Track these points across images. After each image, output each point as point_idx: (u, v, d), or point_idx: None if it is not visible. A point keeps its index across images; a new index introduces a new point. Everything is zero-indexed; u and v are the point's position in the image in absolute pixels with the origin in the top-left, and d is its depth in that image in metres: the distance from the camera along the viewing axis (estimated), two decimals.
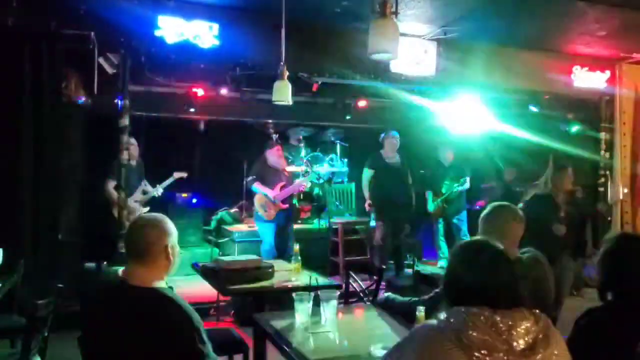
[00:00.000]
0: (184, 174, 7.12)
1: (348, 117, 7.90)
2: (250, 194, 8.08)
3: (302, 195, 7.88)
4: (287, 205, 6.48)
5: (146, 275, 2.10)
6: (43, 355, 3.12)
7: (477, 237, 2.21)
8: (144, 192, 6.73)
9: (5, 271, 3.90)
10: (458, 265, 1.81)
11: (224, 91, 6.26)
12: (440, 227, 7.59)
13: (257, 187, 6.42)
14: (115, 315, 2.03)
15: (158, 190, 6.79)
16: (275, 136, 7.80)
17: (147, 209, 6.65)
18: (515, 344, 1.59)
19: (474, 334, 1.59)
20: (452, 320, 1.64)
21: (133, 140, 6.49)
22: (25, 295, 4.03)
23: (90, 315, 2.16)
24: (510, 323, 1.61)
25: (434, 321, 1.71)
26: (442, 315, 1.68)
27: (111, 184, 6.33)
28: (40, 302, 3.03)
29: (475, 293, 1.69)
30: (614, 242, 2.30)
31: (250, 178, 6.56)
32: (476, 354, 1.57)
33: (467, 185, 7.27)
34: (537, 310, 1.70)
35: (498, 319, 1.62)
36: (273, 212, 6.37)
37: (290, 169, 7.85)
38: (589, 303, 2.25)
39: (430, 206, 7.47)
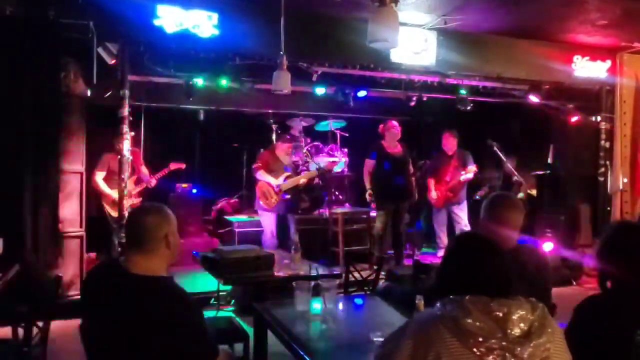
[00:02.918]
0: (182, 165, 7.10)
1: (348, 107, 7.88)
2: (250, 184, 8.10)
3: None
4: (289, 196, 6.50)
5: (146, 264, 2.11)
6: (44, 344, 3.13)
7: (468, 231, 2.26)
8: (138, 182, 6.69)
9: (6, 261, 3.90)
10: (450, 258, 1.87)
11: (223, 81, 6.24)
12: (441, 217, 7.59)
13: (260, 175, 6.46)
14: (116, 303, 2.04)
15: (151, 182, 6.76)
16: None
17: (139, 199, 6.62)
18: (510, 331, 1.61)
19: (470, 321, 1.61)
20: (448, 308, 1.67)
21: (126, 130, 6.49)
22: (26, 284, 4.04)
23: (91, 304, 2.16)
24: (505, 310, 1.63)
25: (431, 309, 1.73)
26: (439, 304, 1.71)
27: (99, 175, 6.31)
28: (41, 292, 3.05)
29: (469, 284, 1.72)
30: (613, 230, 2.31)
31: (255, 165, 6.62)
32: (472, 340, 1.59)
33: (471, 175, 7.25)
34: (534, 299, 1.72)
35: (494, 306, 1.64)
36: (274, 201, 6.39)
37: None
38: (588, 292, 2.26)
39: (434, 194, 7.45)
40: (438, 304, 1.71)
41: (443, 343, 1.60)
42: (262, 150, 7.03)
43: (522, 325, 1.63)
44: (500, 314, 1.63)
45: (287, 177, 6.48)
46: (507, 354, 1.58)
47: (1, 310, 3.86)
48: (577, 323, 2.13)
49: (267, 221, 6.49)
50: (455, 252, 1.88)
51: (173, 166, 6.97)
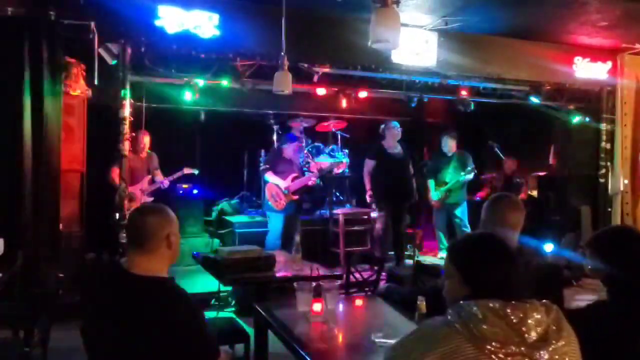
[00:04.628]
0: (195, 171, 7.16)
1: (349, 108, 7.88)
2: (252, 184, 8.11)
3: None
4: (297, 197, 6.53)
5: (147, 265, 2.10)
6: (45, 344, 3.14)
7: (483, 232, 2.21)
8: (150, 183, 6.76)
9: (6, 261, 3.91)
10: (468, 260, 1.79)
11: (224, 82, 6.24)
12: (441, 217, 7.59)
13: (269, 176, 6.51)
14: (117, 304, 2.04)
15: (165, 183, 6.81)
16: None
17: (151, 199, 6.67)
18: (527, 335, 1.57)
19: (485, 326, 1.57)
20: (462, 314, 1.61)
21: (144, 133, 6.54)
22: (26, 285, 4.04)
23: (92, 305, 2.16)
24: (521, 315, 1.60)
25: (442, 317, 1.68)
26: (450, 310, 1.66)
27: (115, 172, 6.37)
28: (41, 292, 3.05)
29: (486, 287, 1.67)
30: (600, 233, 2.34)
31: (263, 167, 6.67)
32: (488, 346, 1.55)
33: (472, 175, 7.24)
34: (548, 301, 1.68)
35: (509, 311, 1.60)
36: (283, 202, 6.43)
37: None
38: (589, 293, 2.27)
39: (434, 195, 7.45)
40: (449, 310, 1.66)
41: (459, 351, 1.56)
42: (269, 151, 7.06)
43: (538, 329, 1.59)
44: (516, 319, 1.59)
45: (294, 178, 6.51)
46: (526, 359, 1.55)
47: (2, 311, 3.86)
48: (584, 326, 2.13)
49: (275, 222, 6.52)
50: (472, 254, 1.80)
51: (187, 170, 7.03)
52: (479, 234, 2.02)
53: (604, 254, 2.22)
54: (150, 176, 6.79)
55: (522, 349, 1.56)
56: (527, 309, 1.61)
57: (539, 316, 1.61)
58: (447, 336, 1.59)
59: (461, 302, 1.66)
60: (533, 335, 1.58)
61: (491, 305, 1.61)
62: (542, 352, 1.57)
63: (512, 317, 1.59)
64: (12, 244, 4.23)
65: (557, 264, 2.82)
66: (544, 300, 1.68)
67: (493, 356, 1.54)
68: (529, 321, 1.59)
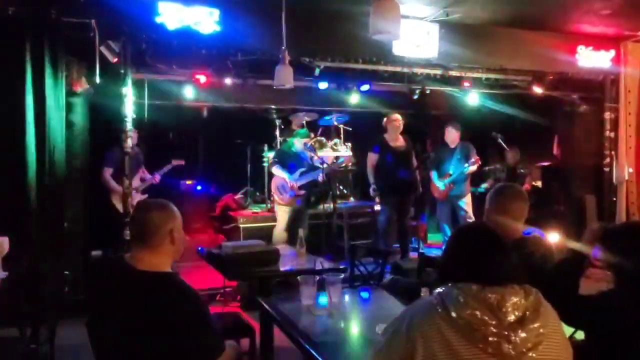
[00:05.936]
0: (181, 161, 7.15)
1: (351, 101, 7.86)
2: (256, 180, 8.11)
3: None
4: (303, 191, 6.53)
5: (151, 260, 2.11)
6: (51, 342, 3.15)
7: (476, 222, 2.26)
8: (142, 180, 6.75)
9: (12, 260, 3.92)
10: (455, 248, 1.86)
11: (225, 77, 6.24)
12: (445, 209, 7.56)
13: (276, 170, 6.55)
14: (122, 299, 2.05)
15: (156, 178, 6.80)
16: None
17: (145, 196, 6.65)
18: (504, 318, 1.62)
19: (465, 310, 1.62)
20: (443, 296, 1.68)
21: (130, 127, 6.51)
22: (32, 283, 4.06)
23: (97, 300, 2.17)
24: (499, 298, 1.64)
25: (426, 299, 1.77)
26: (434, 293, 1.73)
27: (107, 172, 6.36)
28: (47, 290, 3.07)
29: (469, 274, 1.71)
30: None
31: (271, 160, 6.74)
32: (468, 329, 1.60)
33: (475, 166, 7.21)
34: (528, 285, 1.72)
35: (488, 295, 1.65)
36: (289, 195, 6.43)
37: None
38: (594, 283, 2.27)
39: (441, 186, 7.42)
40: (434, 293, 1.72)
41: (441, 334, 1.61)
42: (278, 144, 7.06)
43: (516, 312, 1.64)
44: (494, 302, 1.63)
45: (302, 173, 6.52)
46: (502, 341, 1.59)
47: (9, 309, 3.88)
48: (596, 312, 2.14)
49: (282, 215, 6.56)
50: (457, 244, 1.87)
51: (175, 162, 7.03)
52: (467, 225, 2.08)
53: (618, 248, 2.24)
54: (141, 174, 6.77)
55: (500, 330, 1.60)
56: (505, 292, 1.66)
57: (516, 299, 1.66)
58: (428, 317, 1.65)
59: (443, 286, 1.72)
60: (511, 317, 1.63)
61: (470, 288, 1.66)
62: (516, 334, 1.61)
63: (491, 301, 1.64)
64: (17, 242, 4.25)
65: (552, 253, 2.82)
66: (524, 284, 1.71)
67: (472, 338, 1.60)
68: (507, 304, 1.64)
